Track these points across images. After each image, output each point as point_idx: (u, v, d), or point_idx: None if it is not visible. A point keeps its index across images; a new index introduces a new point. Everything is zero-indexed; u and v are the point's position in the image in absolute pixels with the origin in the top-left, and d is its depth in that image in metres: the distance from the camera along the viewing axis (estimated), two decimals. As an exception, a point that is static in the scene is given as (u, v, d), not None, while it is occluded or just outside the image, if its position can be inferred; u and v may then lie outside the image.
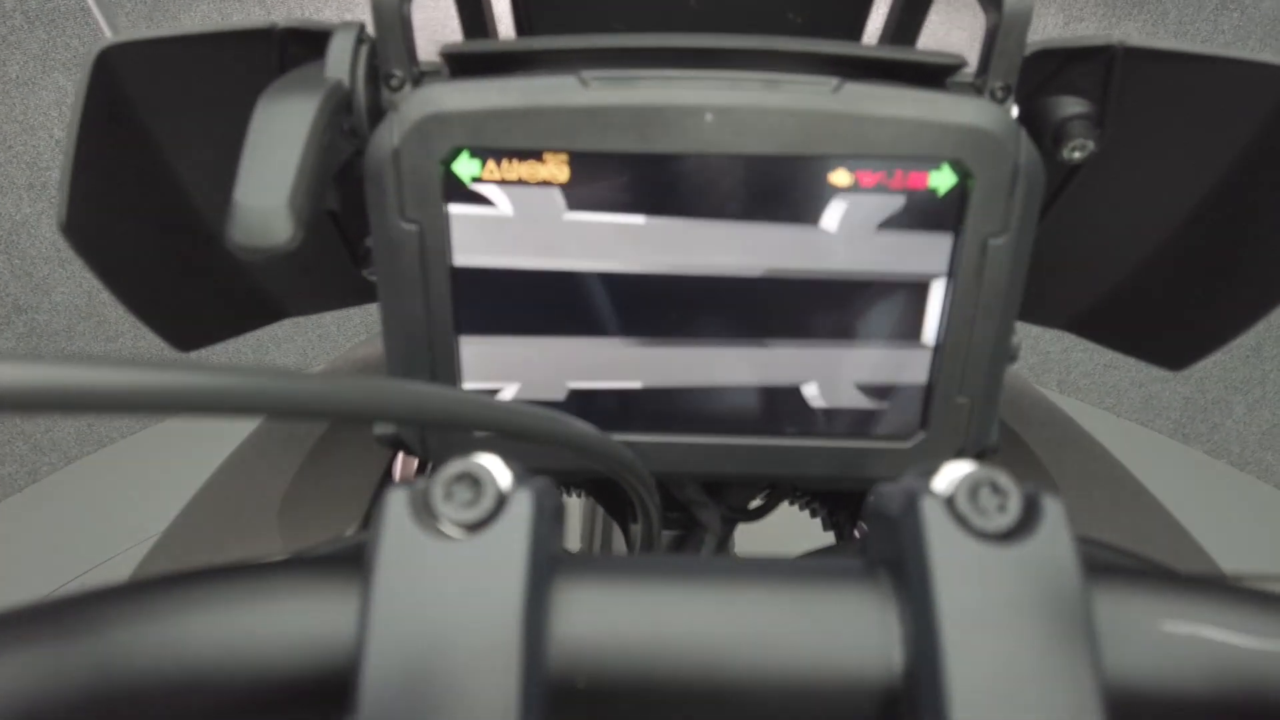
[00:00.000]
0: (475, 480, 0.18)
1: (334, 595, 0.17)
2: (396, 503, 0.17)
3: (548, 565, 0.17)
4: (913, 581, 0.17)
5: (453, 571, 0.17)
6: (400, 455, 0.51)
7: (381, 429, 0.36)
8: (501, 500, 0.17)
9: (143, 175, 0.35)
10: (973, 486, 0.17)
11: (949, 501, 0.17)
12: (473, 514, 0.17)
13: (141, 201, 0.36)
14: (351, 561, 0.18)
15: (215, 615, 0.16)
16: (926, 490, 0.18)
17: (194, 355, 0.42)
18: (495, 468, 0.18)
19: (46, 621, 0.15)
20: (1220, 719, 0.17)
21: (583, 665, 0.17)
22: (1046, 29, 1.66)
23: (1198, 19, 1.55)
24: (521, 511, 0.17)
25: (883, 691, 0.17)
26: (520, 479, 0.18)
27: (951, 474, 0.18)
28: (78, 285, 1.71)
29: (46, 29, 1.48)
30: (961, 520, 0.17)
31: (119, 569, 1.51)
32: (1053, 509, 0.17)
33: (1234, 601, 0.17)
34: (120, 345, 1.81)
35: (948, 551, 0.17)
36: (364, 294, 0.46)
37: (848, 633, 0.17)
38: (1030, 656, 0.16)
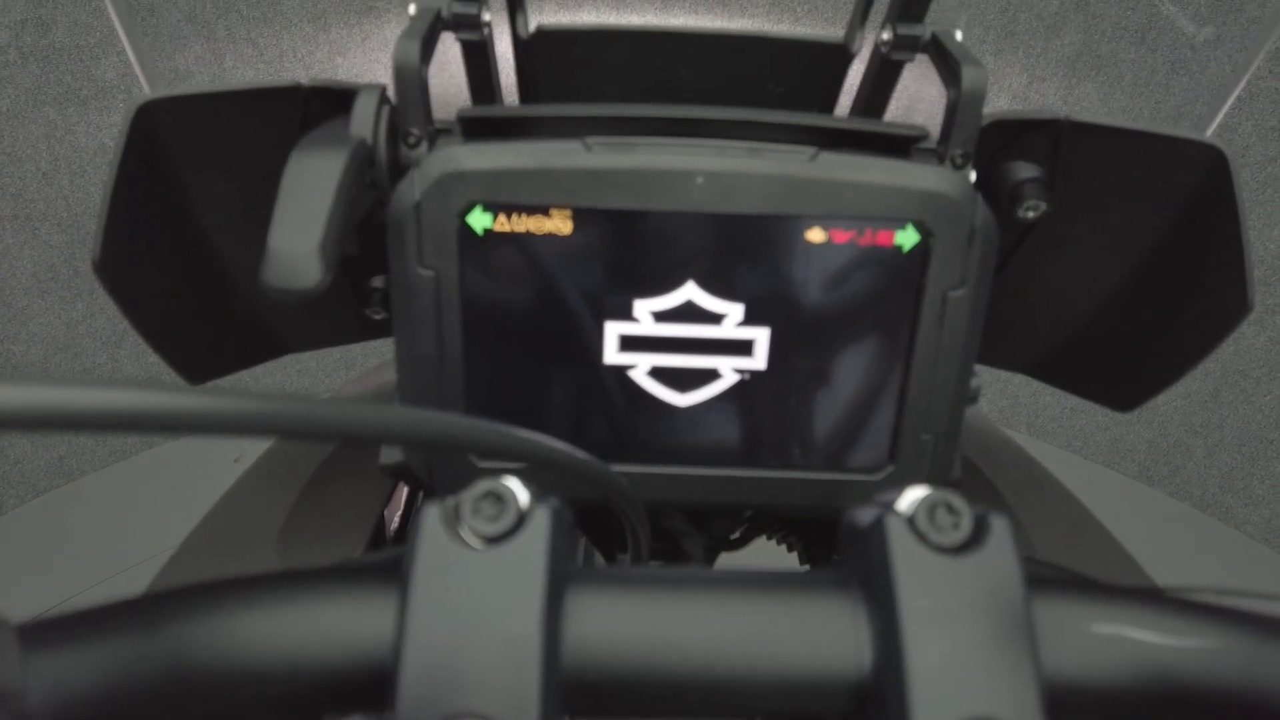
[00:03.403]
0: (499, 498, 0.20)
1: (375, 599, 0.19)
2: (431, 517, 0.20)
3: (563, 573, 0.20)
4: (879, 588, 0.20)
5: (481, 578, 0.19)
6: (398, 486, 0.53)
7: (387, 458, 0.38)
8: (522, 516, 0.20)
9: (170, 218, 0.38)
10: (931, 507, 0.20)
11: (910, 520, 0.20)
12: (497, 527, 0.20)
13: (167, 243, 0.38)
14: (389, 570, 0.20)
15: (273, 615, 0.19)
16: (891, 510, 0.20)
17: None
18: (516, 488, 0.20)
19: (126, 618, 0.18)
20: (1140, 708, 0.19)
21: (594, 662, 0.19)
22: (1013, 87, 1.75)
23: (1151, 82, 1.64)
24: (540, 526, 0.20)
25: (854, 685, 0.19)
26: (538, 498, 0.20)
27: (912, 496, 0.21)
28: (56, 316, 1.70)
29: (40, 64, 1.50)
30: (920, 536, 0.20)
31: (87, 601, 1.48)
32: (999, 526, 0.20)
33: (1153, 606, 0.20)
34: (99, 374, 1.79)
35: (908, 562, 0.20)
36: (366, 331, 0.48)
37: (824, 634, 0.20)
38: (979, 653, 0.19)
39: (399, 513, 0.64)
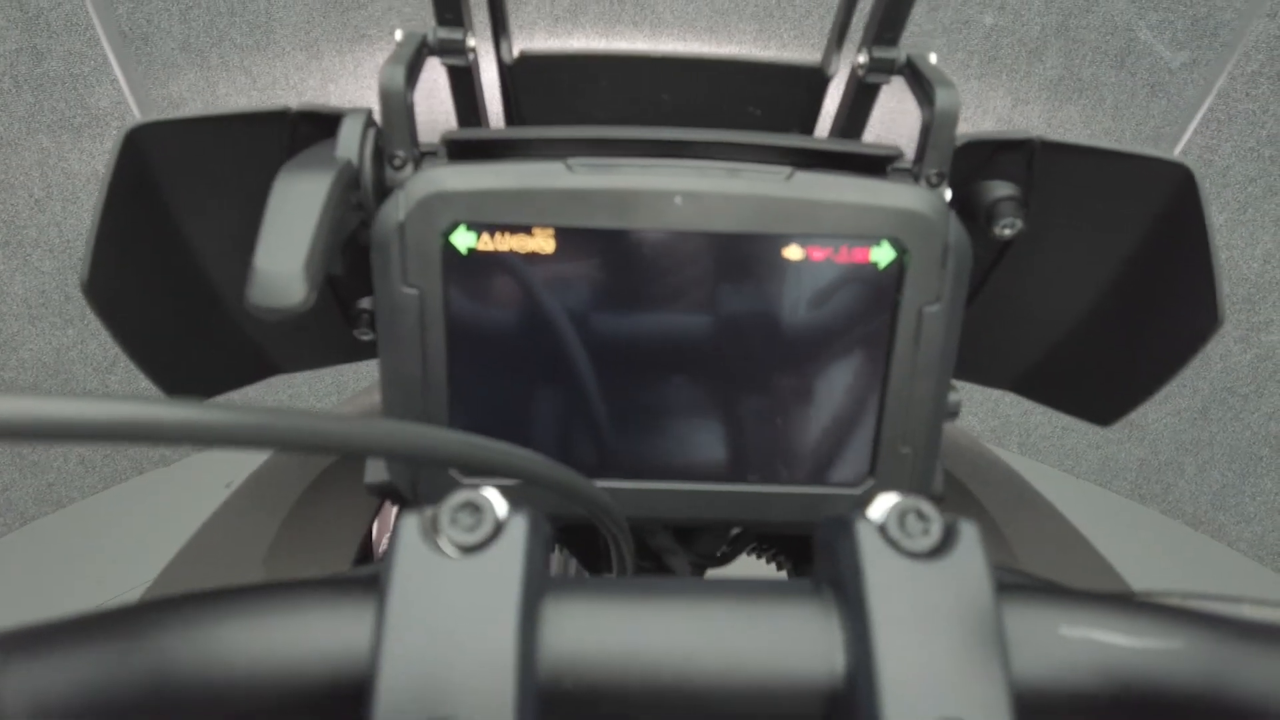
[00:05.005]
0: (476, 508, 0.20)
1: (354, 610, 0.20)
2: (409, 527, 0.20)
3: (539, 582, 0.20)
4: (851, 594, 0.20)
5: (458, 587, 0.19)
6: (385, 507, 0.53)
7: (373, 477, 0.38)
8: (499, 526, 0.20)
9: (158, 241, 0.38)
10: (901, 513, 0.21)
11: (881, 527, 0.21)
12: (474, 537, 0.20)
13: (155, 265, 0.39)
14: (368, 581, 0.20)
15: (252, 627, 0.19)
16: (862, 517, 0.21)
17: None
18: (494, 498, 0.21)
19: (104, 628, 0.18)
20: (1109, 712, 0.20)
21: (570, 669, 0.19)
22: (997, 110, 1.77)
23: (1132, 104, 1.67)
24: (517, 535, 0.20)
25: (827, 690, 0.20)
26: (515, 508, 0.21)
27: (884, 504, 0.21)
28: (46, 342, 1.70)
29: (34, 92, 1.51)
30: (892, 542, 0.20)
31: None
32: (968, 532, 0.20)
33: (1120, 610, 0.20)
34: (86, 403, 1.78)
35: (879, 567, 0.20)
36: (353, 352, 0.49)
37: (797, 640, 0.20)
38: (949, 656, 0.19)
39: (387, 535, 0.64)
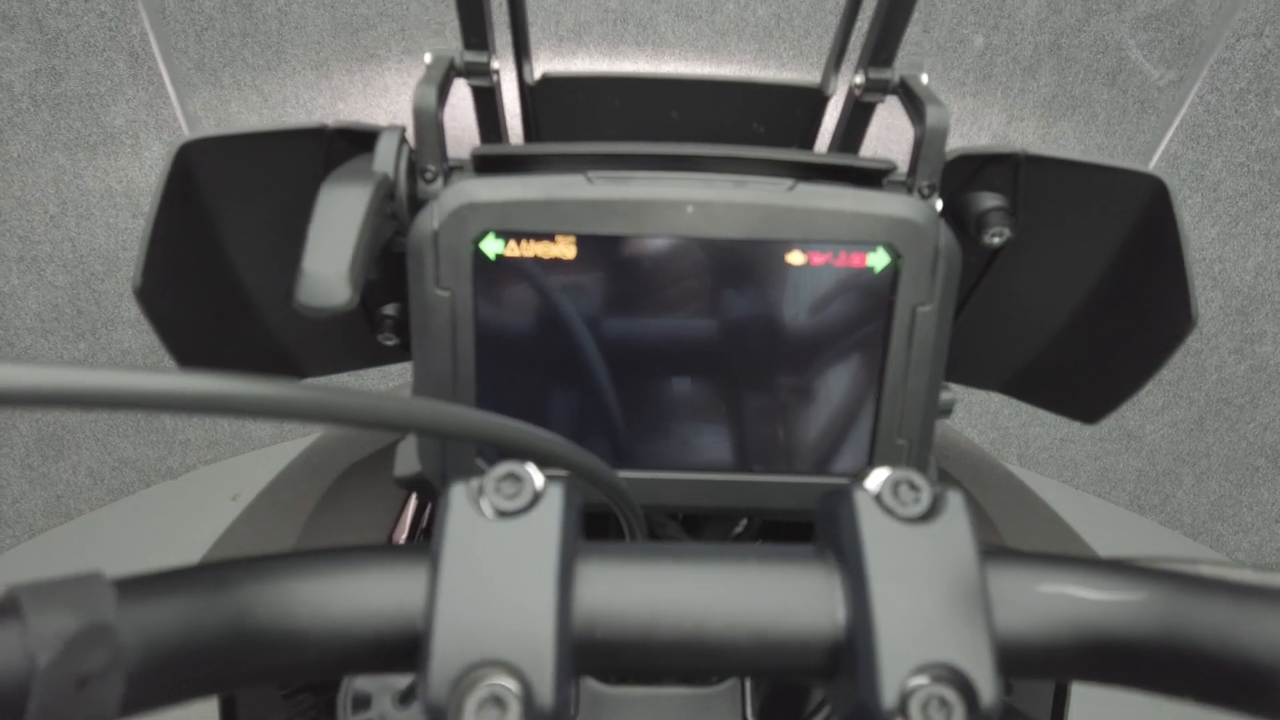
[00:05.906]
0: (517, 478, 0.23)
1: (408, 571, 0.22)
2: (458, 495, 0.22)
3: (574, 544, 0.23)
4: (849, 555, 0.22)
5: (502, 547, 0.22)
6: (409, 506, 0.55)
7: (403, 470, 0.41)
8: (537, 494, 0.23)
9: (202, 247, 0.41)
10: (895, 483, 0.23)
11: (877, 496, 0.23)
12: (515, 503, 0.22)
13: (199, 270, 0.41)
14: (420, 547, 0.23)
15: (321, 584, 0.21)
16: (860, 487, 0.23)
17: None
18: (532, 470, 0.23)
19: (200, 579, 0.20)
20: (1080, 664, 0.22)
21: (602, 621, 0.22)
22: (992, 127, 1.81)
23: (1123, 120, 1.71)
24: (554, 502, 0.23)
25: (830, 640, 0.22)
26: (551, 479, 0.23)
27: (879, 476, 0.24)
28: (58, 355, 1.73)
29: (51, 111, 1.54)
30: (886, 508, 0.23)
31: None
32: (955, 500, 0.23)
33: (1091, 569, 0.23)
34: (98, 416, 1.81)
35: (875, 531, 0.22)
36: (377, 357, 0.51)
37: (802, 595, 0.22)
38: (938, 608, 0.21)
39: (404, 536, 0.66)
